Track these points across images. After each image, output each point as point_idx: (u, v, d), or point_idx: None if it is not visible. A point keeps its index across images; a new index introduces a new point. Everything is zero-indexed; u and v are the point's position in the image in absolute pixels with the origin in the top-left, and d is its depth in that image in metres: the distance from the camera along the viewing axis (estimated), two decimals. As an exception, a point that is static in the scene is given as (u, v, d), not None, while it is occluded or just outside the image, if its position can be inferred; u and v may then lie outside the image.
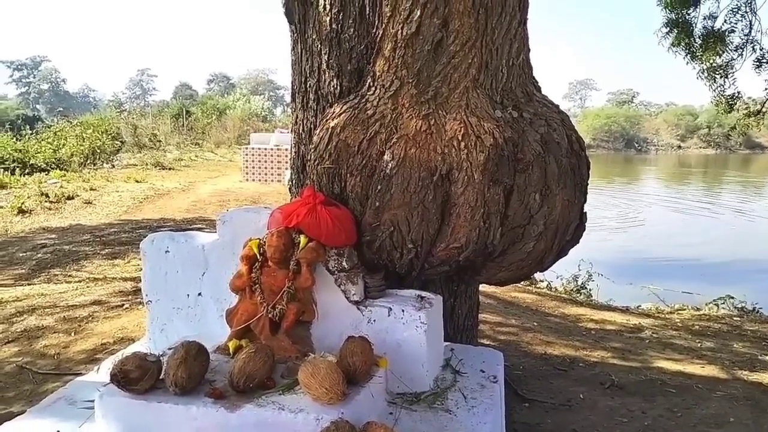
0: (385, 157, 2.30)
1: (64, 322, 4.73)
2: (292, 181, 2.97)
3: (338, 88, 2.59)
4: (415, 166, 2.29)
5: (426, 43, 2.26)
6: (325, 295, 2.36)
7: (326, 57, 2.60)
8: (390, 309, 2.34)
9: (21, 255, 7.72)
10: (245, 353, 2.06)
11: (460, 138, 2.30)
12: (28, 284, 6.25)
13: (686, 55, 10.36)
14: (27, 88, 75.12)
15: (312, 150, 2.50)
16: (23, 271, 6.88)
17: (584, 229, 2.64)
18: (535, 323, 5.09)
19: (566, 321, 5.44)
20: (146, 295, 2.66)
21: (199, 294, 2.59)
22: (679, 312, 6.98)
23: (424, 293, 2.48)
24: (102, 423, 2.07)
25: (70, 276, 6.45)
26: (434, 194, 2.32)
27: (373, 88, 2.40)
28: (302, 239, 2.29)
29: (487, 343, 4.44)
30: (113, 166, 19.31)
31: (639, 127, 48.79)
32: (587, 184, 2.60)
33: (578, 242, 2.65)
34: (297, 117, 2.86)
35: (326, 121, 2.48)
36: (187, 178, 17.23)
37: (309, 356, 2.11)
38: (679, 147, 46.87)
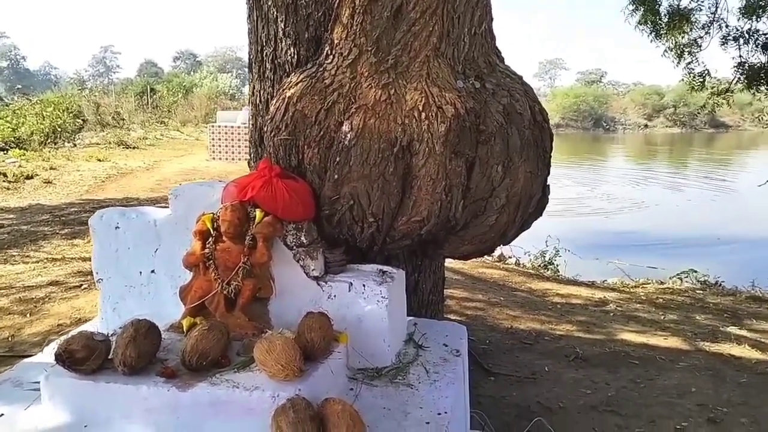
0: (344, 127, 2.23)
1: (19, 303, 4.58)
2: (251, 155, 2.87)
3: (295, 57, 2.49)
4: (375, 137, 2.22)
5: (385, 10, 2.18)
6: (283, 271, 2.29)
7: (282, 25, 2.50)
8: (351, 284, 2.29)
9: (-26, 237, 7.45)
10: (198, 331, 1.98)
11: (420, 108, 2.24)
12: (-16, 266, 6.04)
13: (651, 33, 10.42)
14: (-16, 64, 72.41)
15: (268, 121, 2.41)
16: (-22, 252, 6.64)
17: (547, 202, 2.61)
18: (501, 298, 5.12)
19: (533, 296, 5.48)
20: (97, 273, 2.55)
21: (152, 271, 2.49)
22: (644, 286, 7.10)
23: (385, 268, 2.42)
24: (48, 405, 1.98)
25: (27, 257, 6.25)
26: (395, 166, 2.25)
27: (331, 57, 2.31)
28: (258, 213, 2.21)
29: (454, 318, 4.45)
30: (75, 145, 18.77)
31: (607, 107, 49.33)
32: (550, 156, 2.57)
33: (541, 215, 2.63)
34: (254, 88, 2.76)
35: (283, 90, 2.39)
36: (152, 157, 16.87)
37: (266, 333, 2.05)
38: (646, 126, 47.56)
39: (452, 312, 4.53)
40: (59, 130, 18.94)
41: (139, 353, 1.94)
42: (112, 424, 1.92)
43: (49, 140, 18.07)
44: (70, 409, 1.96)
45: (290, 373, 1.86)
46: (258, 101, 2.73)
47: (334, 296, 2.29)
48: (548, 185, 2.59)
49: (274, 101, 2.42)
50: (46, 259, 6.09)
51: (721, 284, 7.13)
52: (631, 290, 6.55)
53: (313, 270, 2.31)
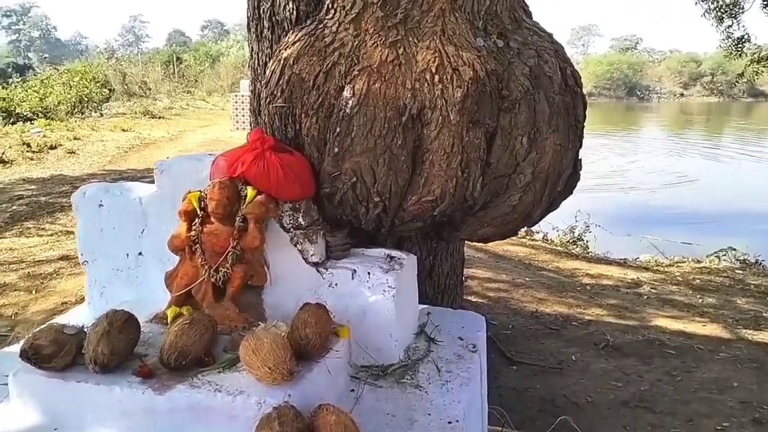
0: (345, 93, 1.95)
1: (27, 279, 4.46)
2: (251, 126, 2.61)
3: (294, 12, 2.20)
4: (380, 104, 1.93)
5: (393, -45, 1.87)
6: (279, 256, 2.05)
7: (280, -24, 2.21)
8: (354, 271, 2.04)
9: (-7, 208, 7.41)
10: (178, 325, 1.76)
11: (433, 70, 1.94)
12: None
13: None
14: (17, 35, 73.29)
15: (263, 86, 2.14)
16: (-5, 224, 6.59)
17: (579, 179, 2.30)
18: (527, 278, 4.82)
19: (560, 276, 5.18)
20: (81, 255, 2.34)
21: (140, 253, 2.28)
22: (679, 265, 6.70)
23: (394, 252, 2.16)
24: (17, 403, 1.79)
25: (42, 229, 6.15)
26: (403, 138, 1.97)
27: (332, 11, 2.02)
28: (249, 191, 1.96)
29: (475, 300, 4.19)
30: (101, 115, 18.80)
31: (641, 75, 47.70)
32: (583, 127, 2.26)
33: (571, 193, 2.33)
34: (252, 49, 2.49)
35: (279, 51, 2.11)
36: (176, 127, 16.78)
37: (257, 326, 1.82)
38: (682, 95, 45.94)
39: (473, 294, 4.27)
40: (86, 99, 18.97)
41: (113, 350, 1.73)
42: (84, 427, 1.72)
43: (75, 110, 18.10)
44: (40, 410, 1.77)
45: (279, 377, 1.63)
46: (256, 64, 2.46)
47: (336, 285, 2.05)
48: (580, 159, 2.28)
49: (270, 63, 2.14)
50: (60, 231, 5.98)
51: (761, 263, 6.70)
52: (666, 270, 6.18)
53: (312, 255, 2.06)
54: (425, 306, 2.42)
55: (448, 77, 1.94)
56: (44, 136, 12.76)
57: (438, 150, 1.98)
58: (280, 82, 2.04)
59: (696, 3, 9.77)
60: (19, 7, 72.86)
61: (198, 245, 1.97)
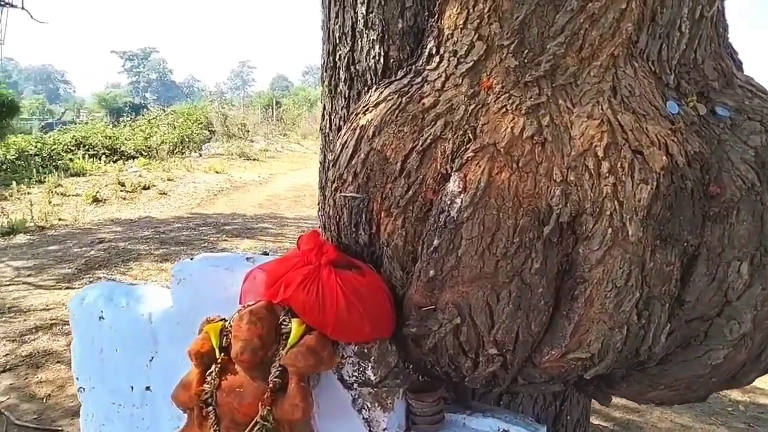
0: (451, 185, 1.22)
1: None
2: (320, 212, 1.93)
3: (382, 59, 1.52)
4: (509, 204, 1.19)
5: (538, -28, 1.16)
6: (334, 428, 1.32)
7: (364, 9, 1.55)
8: (450, 462, 1.27)
9: (75, 251, 7.25)
10: None
11: (600, 154, 1.18)
12: (68, 287, 5.66)
13: None
14: (137, 77, 79.54)
15: (330, 166, 1.46)
16: (69, 270, 6.34)
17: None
18: (662, 391, 3.81)
19: (704, 388, 4.11)
20: (77, 380, 1.73)
21: (147, 388, 1.63)
22: None
23: (515, 427, 1.38)
24: None
25: (112, 281, 5.81)
26: (543, 259, 1.21)
27: (437, 58, 1.33)
28: (294, 328, 1.26)
29: (596, 422, 3.26)
30: (200, 155, 19.26)
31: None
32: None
33: (807, 347, 1.46)
34: (324, 109, 1.84)
35: (356, 116, 1.43)
36: (269, 169, 16.78)
37: None
38: None
39: (595, 414, 3.34)
40: (187, 140, 19.55)
41: None
42: None
43: (176, 150, 18.64)
44: None
45: None
46: (328, 129, 1.80)
47: (420, 482, 1.29)
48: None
49: (342, 133, 1.47)
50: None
51: None
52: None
53: (385, 428, 1.32)
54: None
55: (626, 165, 1.17)
56: (140, 175, 12.98)
57: (602, 281, 1.20)
58: (354, 162, 1.35)
59: None
60: (141, 51, 79.23)
61: (211, 407, 1.28)
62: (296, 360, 1.23)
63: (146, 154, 16.99)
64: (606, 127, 1.19)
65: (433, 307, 1.26)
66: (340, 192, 1.39)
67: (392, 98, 1.34)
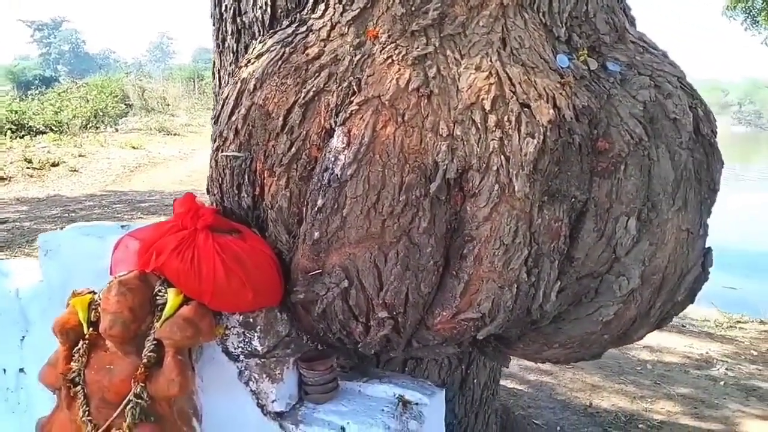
0: (334, 140, 1.14)
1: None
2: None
3: (268, 9, 1.42)
4: (394, 161, 1.13)
5: None
6: (220, 401, 1.24)
7: (249, -45, 1.43)
8: (342, 431, 1.22)
9: (-24, 232, 6.76)
10: None
11: (487, 107, 1.14)
12: (-36, 271, 5.26)
13: (745, 20, 9.06)
14: (47, 48, 74.62)
15: (213, 123, 1.36)
16: (-34, 253, 5.90)
17: (706, 280, 1.47)
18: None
19: (614, 348, 4.28)
20: (-59, 364, 1.56)
21: (21, 370, 1.49)
22: (742, 326, 5.74)
23: (411, 392, 1.35)
24: None
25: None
26: (431, 218, 1.16)
27: (323, 6, 1.24)
28: (171, 297, 1.16)
29: (511, 386, 3.33)
30: (116, 130, 18.33)
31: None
32: (715, 198, 1.43)
33: (693, 301, 1.49)
34: (213, 66, 1.72)
35: (239, 70, 1.33)
36: (191, 145, 16.16)
37: None
38: (711, 124, 44.98)
39: (509, 377, 3.41)
40: (101, 114, 18.54)
41: None
42: None
43: (90, 124, 17.64)
44: None
45: None
46: (218, 87, 1.69)
47: (311, 452, 1.23)
48: (709, 250, 1.45)
49: (225, 89, 1.36)
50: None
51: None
52: (730, 335, 5.23)
53: (273, 401, 1.25)
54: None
55: (513, 119, 1.13)
56: (48, 151, 12.21)
57: (490, 238, 1.16)
58: (234, 118, 1.25)
59: (746, 29, 9.10)
60: (51, 21, 74.25)
61: (80, 387, 1.17)
62: (171, 332, 1.14)
63: (56, 129, 15.99)
64: (494, 80, 1.14)
65: (320, 270, 1.19)
66: (222, 151, 1.29)
67: (275, 49, 1.24)
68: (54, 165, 11.13)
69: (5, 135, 13.99)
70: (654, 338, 4.63)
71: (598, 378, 3.58)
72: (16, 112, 16.23)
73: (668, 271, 1.31)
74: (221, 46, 1.60)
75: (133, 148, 14.03)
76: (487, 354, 1.61)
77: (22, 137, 14.26)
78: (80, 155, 12.25)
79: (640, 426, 3.06)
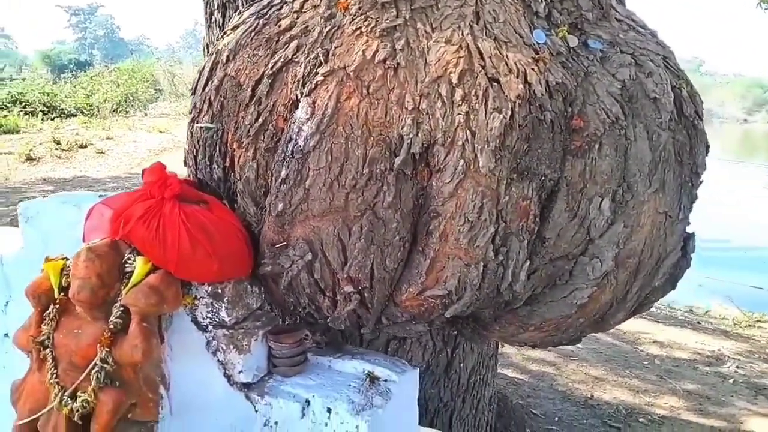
0: (299, 111, 1.14)
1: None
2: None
3: (249, -17, 1.42)
4: (358, 133, 1.12)
5: None
6: (187, 371, 1.26)
7: (233, -72, 1.43)
8: (306, 404, 1.23)
9: (1, 209, 6.94)
10: None
11: (454, 80, 1.12)
12: (-13, 247, 5.41)
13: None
14: (83, 33, 75.90)
15: (191, 94, 1.37)
16: (-10, 229, 6.07)
17: (688, 266, 1.43)
18: (580, 345, 3.89)
19: (622, 342, 4.22)
20: (-70, 327, 1.61)
21: (6, 335, 1.53)
22: (761, 325, 5.60)
23: (380, 368, 1.35)
24: None
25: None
26: (396, 192, 1.15)
27: (296, -22, 1.23)
28: (139, 264, 1.18)
29: (512, 375, 3.31)
30: (146, 115, 18.63)
31: (703, 97, 45.75)
32: (700, 182, 1.39)
33: (674, 287, 1.46)
34: (204, 43, 1.73)
35: (217, 41, 1.33)
36: (217, 130, 16.36)
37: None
38: (745, 120, 43.68)
39: (510, 366, 3.39)
40: (132, 99, 18.85)
41: None
42: None
43: (120, 108, 17.95)
44: None
45: None
46: (207, 63, 1.69)
47: (275, 424, 1.24)
48: (692, 235, 1.41)
49: (204, 62, 1.37)
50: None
51: None
52: (748, 333, 5.11)
53: (240, 372, 1.26)
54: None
55: (480, 93, 1.11)
56: (77, 133, 12.47)
57: (456, 215, 1.15)
58: (207, 89, 1.26)
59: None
60: (87, 6, 75.46)
61: (48, 350, 1.20)
62: (137, 299, 1.15)
63: (87, 112, 16.33)
64: (463, 53, 1.12)
65: (285, 243, 1.19)
66: (196, 122, 1.29)
67: (250, 20, 1.25)
68: (82, 147, 11.37)
69: (37, 116, 14.33)
70: (664, 333, 4.56)
71: (602, 370, 3.54)
72: (48, 94, 16.61)
73: (644, 255, 1.28)
74: (209, 21, 1.61)
75: (160, 132, 14.25)
76: (465, 335, 1.60)
77: (53, 119, 14.60)
78: (108, 138, 12.49)
79: (640, 420, 3.02)
